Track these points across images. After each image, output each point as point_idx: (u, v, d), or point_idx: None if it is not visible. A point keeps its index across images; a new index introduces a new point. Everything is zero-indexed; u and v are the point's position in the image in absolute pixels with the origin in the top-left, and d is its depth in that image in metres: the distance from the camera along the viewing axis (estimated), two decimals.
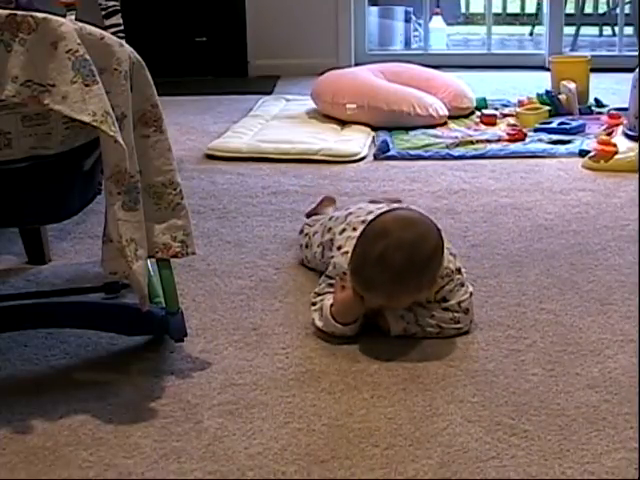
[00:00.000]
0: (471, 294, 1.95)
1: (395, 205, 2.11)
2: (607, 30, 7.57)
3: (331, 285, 1.95)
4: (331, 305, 1.89)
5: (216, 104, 4.51)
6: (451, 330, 1.90)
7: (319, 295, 1.96)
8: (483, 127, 3.85)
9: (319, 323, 1.91)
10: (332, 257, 1.99)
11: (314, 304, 1.95)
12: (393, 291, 1.80)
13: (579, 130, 3.69)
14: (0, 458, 1.50)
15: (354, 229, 1.98)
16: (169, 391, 1.71)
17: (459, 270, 1.94)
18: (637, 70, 3.39)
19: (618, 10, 6.17)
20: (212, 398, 1.67)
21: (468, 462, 1.46)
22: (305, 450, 1.50)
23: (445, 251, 1.88)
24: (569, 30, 6.58)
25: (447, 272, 1.89)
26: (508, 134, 3.61)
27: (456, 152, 3.42)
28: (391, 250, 1.77)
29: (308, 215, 2.51)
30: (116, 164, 1.60)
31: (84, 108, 1.52)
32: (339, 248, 1.99)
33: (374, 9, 6.18)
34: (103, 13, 2.65)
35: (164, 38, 5.27)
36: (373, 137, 3.68)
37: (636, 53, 5.53)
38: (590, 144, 3.37)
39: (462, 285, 1.94)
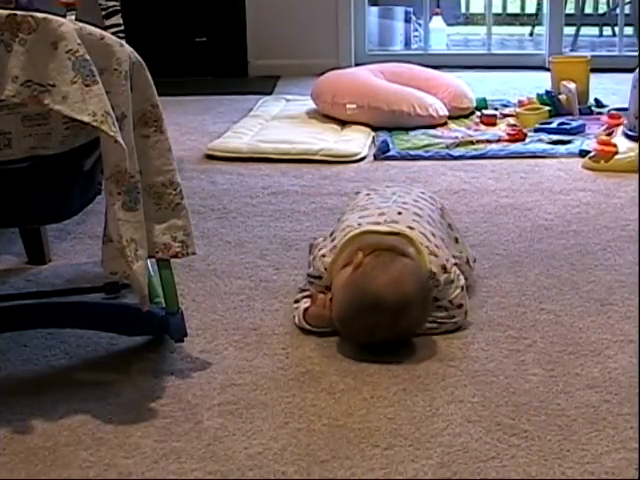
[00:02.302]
0: (462, 288, 1.92)
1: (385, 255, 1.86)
2: (607, 30, 7.58)
3: (311, 283, 1.99)
4: (305, 309, 1.93)
5: (216, 104, 4.51)
6: (448, 325, 1.91)
7: (302, 291, 2.01)
8: (483, 127, 3.85)
9: (296, 321, 1.95)
10: (313, 258, 1.99)
11: (296, 301, 1.99)
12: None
13: (579, 130, 3.69)
14: (0, 458, 1.50)
15: (333, 239, 1.98)
16: (169, 391, 1.71)
17: (444, 268, 1.89)
18: (637, 70, 3.39)
19: (618, 10, 6.18)
20: (212, 398, 1.68)
21: (468, 462, 1.46)
22: (305, 450, 1.50)
23: (424, 252, 1.87)
24: (569, 30, 6.58)
25: (429, 275, 1.86)
26: (508, 134, 3.61)
27: (456, 152, 3.42)
28: (381, 328, 1.78)
29: None
30: (116, 164, 1.60)
31: (84, 108, 1.52)
32: (320, 249, 1.99)
33: (374, 9, 6.18)
34: (103, 13, 2.65)
35: (164, 38, 5.27)
36: (373, 137, 3.68)
37: (636, 53, 5.53)
38: (590, 144, 3.37)
39: (451, 282, 1.90)
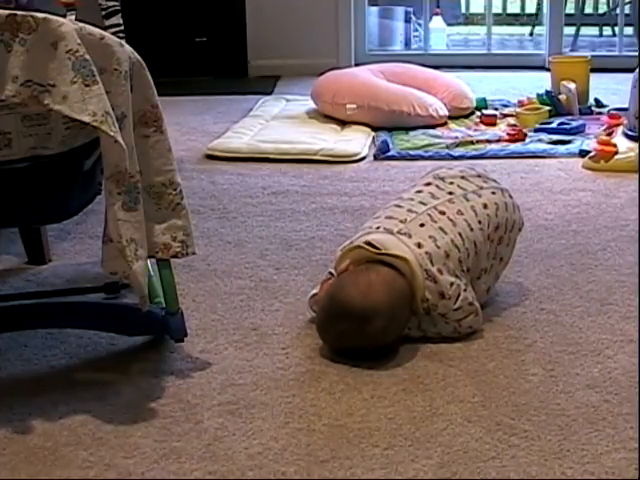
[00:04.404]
0: (476, 313, 1.89)
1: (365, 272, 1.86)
2: (607, 30, 7.58)
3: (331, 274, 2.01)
4: (315, 294, 1.97)
5: (216, 104, 4.51)
6: (452, 336, 1.90)
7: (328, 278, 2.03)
8: (483, 127, 3.85)
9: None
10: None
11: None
12: None
13: (579, 130, 3.69)
14: (0, 458, 1.50)
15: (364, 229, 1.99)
16: (169, 391, 1.71)
17: (442, 294, 1.84)
18: (637, 70, 3.39)
19: (618, 10, 6.18)
20: (212, 398, 1.68)
21: (468, 462, 1.46)
22: (305, 450, 1.50)
23: (420, 276, 1.83)
24: (569, 30, 6.58)
25: (425, 306, 1.85)
26: (508, 134, 3.61)
27: (456, 152, 3.42)
28: (348, 336, 1.80)
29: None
30: (116, 164, 1.60)
31: (84, 108, 1.52)
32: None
33: (374, 9, 6.18)
34: (103, 13, 2.65)
35: (164, 38, 5.27)
36: (373, 137, 3.68)
37: (636, 53, 5.53)
38: (590, 144, 3.37)
39: (458, 309, 1.86)
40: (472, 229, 1.95)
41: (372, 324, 1.77)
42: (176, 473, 1.45)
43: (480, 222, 1.97)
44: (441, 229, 1.92)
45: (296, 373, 1.77)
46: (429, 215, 1.94)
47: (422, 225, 1.92)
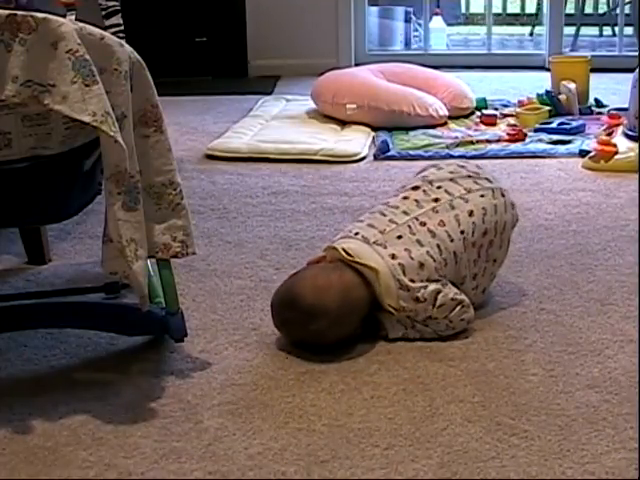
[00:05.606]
0: (461, 305, 1.88)
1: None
2: (607, 30, 7.58)
3: None
4: None
5: (216, 104, 4.51)
6: (449, 332, 1.90)
7: None
8: (483, 127, 3.85)
9: None
10: None
11: None
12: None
13: (579, 130, 3.69)
14: (0, 458, 1.50)
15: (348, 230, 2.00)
16: (169, 391, 1.71)
17: (417, 299, 1.85)
18: (637, 70, 3.39)
19: (618, 10, 6.18)
20: (212, 398, 1.68)
21: (468, 462, 1.46)
22: (305, 450, 1.50)
23: (392, 287, 1.84)
24: (569, 30, 6.58)
25: (404, 315, 1.86)
26: (508, 134, 3.61)
27: (456, 152, 3.42)
28: (292, 326, 1.86)
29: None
30: (116, 164, 1.60)
31: (84, 108, 1.52)
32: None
33: (374, 9, 6.18)
34: (103, 13, 2.65)
35: (164, 38, 5.27)
36: (373, 137, 3.68)
37: (636, 53, 5.53)
38: (590, 144, 3.37)
39: (441, 305, 1.86)
40: (452, 240, 1.94)
41: (316, 323, 1.81)
42: (176, 473, 1.45)
43: (463, 232, 1.95)
44: (418, 242, 1.91)
45: (296, 373, 1.77)
46: (409, 227, 1.94)
47: (399, 237, 1.92)
